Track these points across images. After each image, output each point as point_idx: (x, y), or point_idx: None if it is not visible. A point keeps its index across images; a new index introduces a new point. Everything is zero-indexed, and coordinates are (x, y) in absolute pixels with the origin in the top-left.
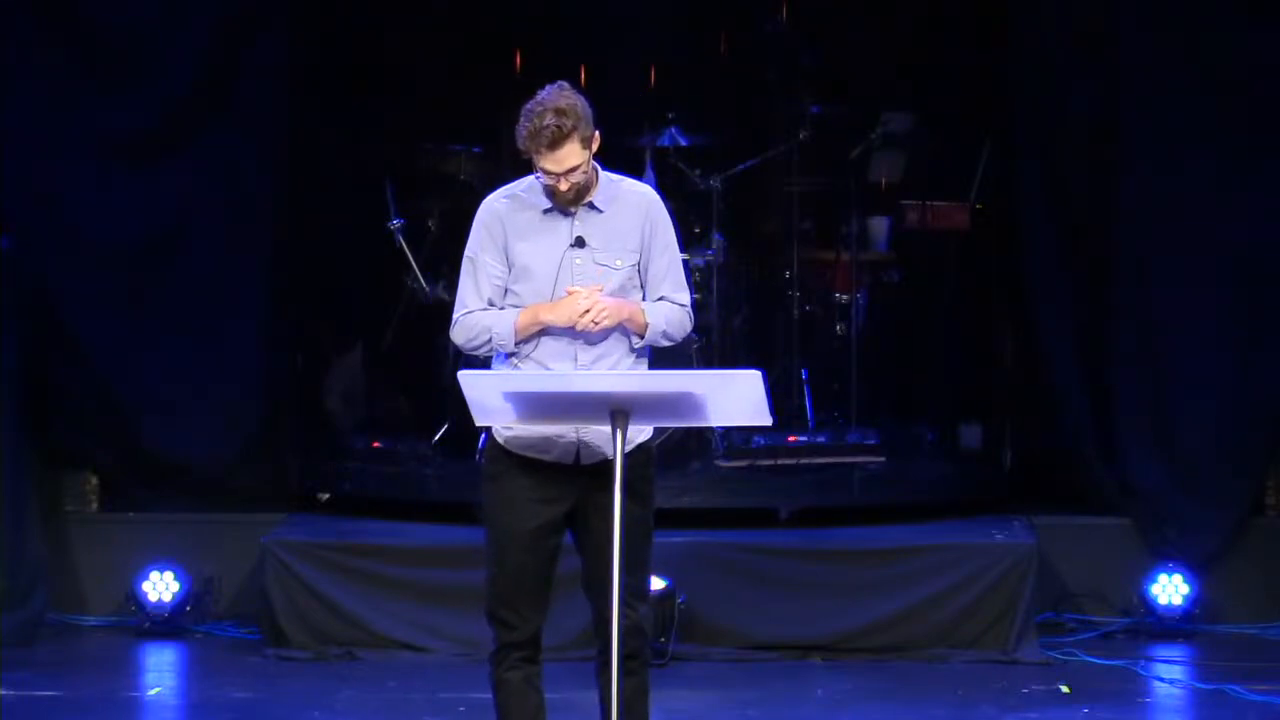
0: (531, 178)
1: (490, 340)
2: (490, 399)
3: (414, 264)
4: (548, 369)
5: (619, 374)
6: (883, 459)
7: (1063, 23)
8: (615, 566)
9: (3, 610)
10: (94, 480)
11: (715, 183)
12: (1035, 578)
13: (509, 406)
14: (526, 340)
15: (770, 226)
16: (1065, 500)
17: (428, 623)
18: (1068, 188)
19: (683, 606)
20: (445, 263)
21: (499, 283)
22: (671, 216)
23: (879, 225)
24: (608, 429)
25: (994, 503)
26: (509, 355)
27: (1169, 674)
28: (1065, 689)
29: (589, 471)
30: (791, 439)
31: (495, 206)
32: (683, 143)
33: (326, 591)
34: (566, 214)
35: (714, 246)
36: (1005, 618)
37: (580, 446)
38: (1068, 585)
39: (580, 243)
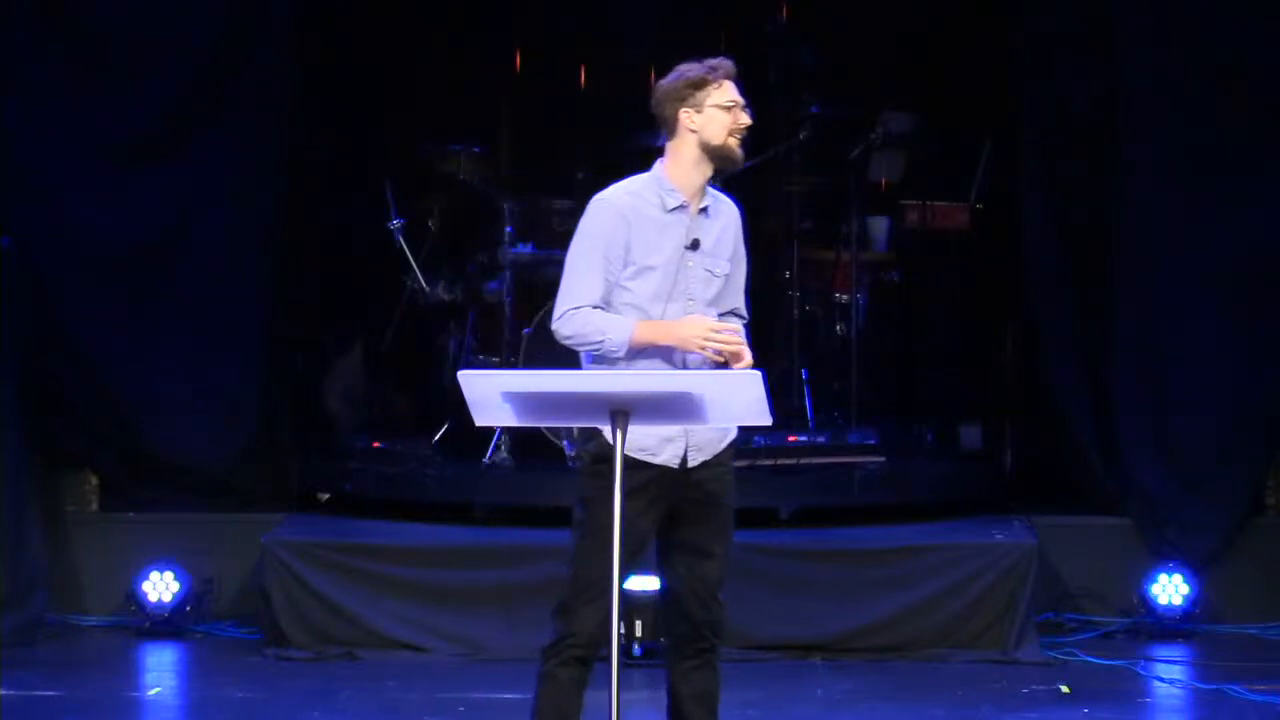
0: (642, 177)
1: (601, 343)
2: (490, 399)
3: (414, 264)
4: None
5: (619, 374)
6: (883, 459)
7: (1063, 22)
8: (615, 565)
9: (3, 610)
10: (94, 480)
11: (715, 183)
12: (1035, 578)
13: (509, 407)
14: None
15: (770, 226)
16: (1065, 500)
17: (428, 623)
18: (1068, 188)
19: None
20: (445, 263)
21: (613, 280)
22: None
23: (879, 225)
24: (713, 433)
25: (994, 503)
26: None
27: (1169, 674)
28: (1065, 689)
29: (691, 474)
30: (791, 439)
31: (620, 203)
32: None
33: (326, 591)
34: (684, 214)
35: None
36: (1005, 618)
37: (688, 450)
38: (1068, 585)
39: (695, 245)
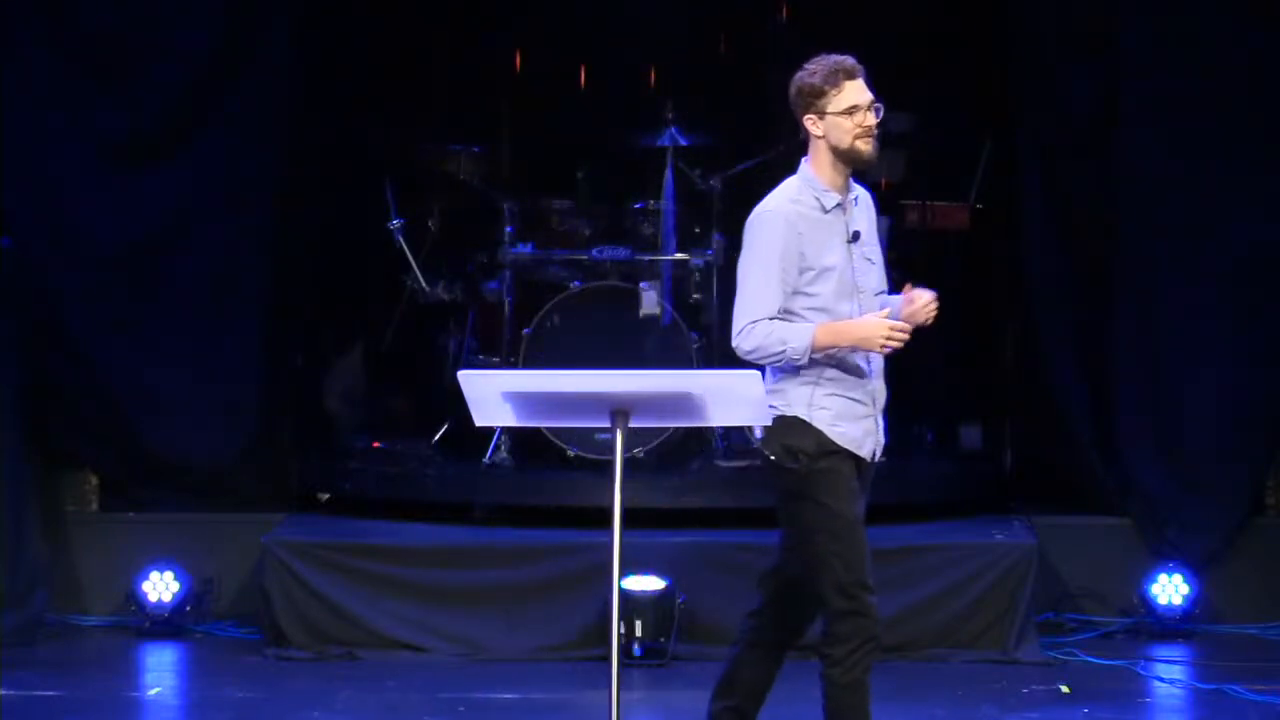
0: (793, 181)
1: (783, 353)
2: (490, 399)
3: (414, 264)
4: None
5: (619, 374)
6: (883, 459)
7: (1063, 23)
8: (615, 564)
9: (3, 610)
10: (94, 480)
11: (715, 183)
12: (1035, 578)
13: (509, 406)
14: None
15: None
16: (1065, 500)
17: (428, 623)
18: (1068, 188)
19: (683, 606)
20: (445, 263)
21: (789, 289)
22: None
23: (879, 225)
24: (882, 433)
25: (994, 503)
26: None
27: (1169, 674)
28: (1065, 689)
29: (867, 470)
30: None
31: (786, 211)
32: (683, 143)
33: (326, 591)
34: (841, 211)
35: (714, 247)
36: (1005, 618)
37: (877, 444)
38: (1068, 585)
39: (856, 237)
